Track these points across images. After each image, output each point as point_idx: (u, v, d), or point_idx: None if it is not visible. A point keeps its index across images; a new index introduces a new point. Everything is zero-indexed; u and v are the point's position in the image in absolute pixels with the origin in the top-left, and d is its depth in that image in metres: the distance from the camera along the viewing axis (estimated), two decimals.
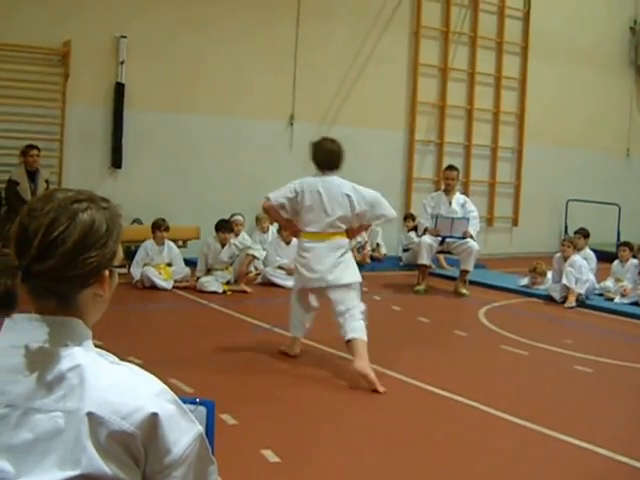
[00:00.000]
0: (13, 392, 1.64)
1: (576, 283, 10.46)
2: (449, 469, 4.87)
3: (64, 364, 1.65)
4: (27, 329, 1.68)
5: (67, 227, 1.67)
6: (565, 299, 10.49)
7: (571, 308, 10.33)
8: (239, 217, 11.54)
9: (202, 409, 2.02)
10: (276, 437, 5.19)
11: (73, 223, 1.68)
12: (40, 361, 1.65)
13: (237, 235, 11.09)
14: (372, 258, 13.39)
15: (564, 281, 10.50)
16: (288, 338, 7.46)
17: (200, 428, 1.74)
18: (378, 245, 13.67)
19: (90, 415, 1.59)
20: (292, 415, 5.79)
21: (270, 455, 4.81)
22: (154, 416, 1.63)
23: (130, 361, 1.71)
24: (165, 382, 1.73)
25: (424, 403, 6.18)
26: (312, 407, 6.00)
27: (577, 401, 6.50)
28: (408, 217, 13.90)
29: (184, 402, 1.75)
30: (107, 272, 1.74)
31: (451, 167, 11.79)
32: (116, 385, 1.65)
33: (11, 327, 1.70)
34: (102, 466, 1.58)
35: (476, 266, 11.50)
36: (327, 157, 6.93)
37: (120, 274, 1.85)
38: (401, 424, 5.66)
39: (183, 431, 1.68)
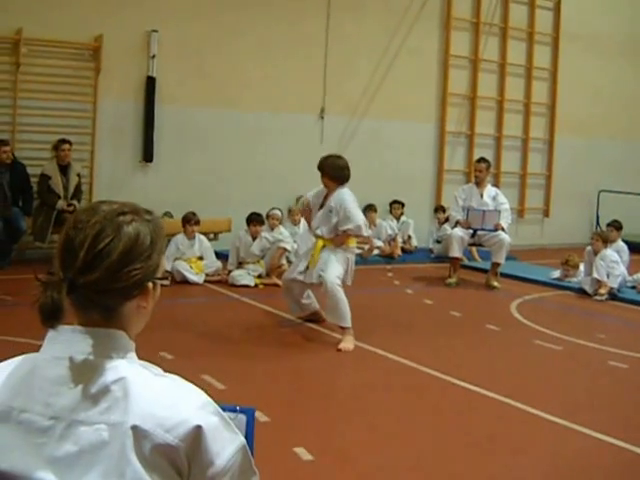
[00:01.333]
0: (57, 404, 1.65)
1: (608, 277, 10.37)
2: (485, 467, 4.84)
3: (108, 376, 1.65)
4: (71, 341, 1.69)
5: (112, 239, 1.68)
6: (597, 292, 10.40)
7: (602, 301, 10.26)
8: (277, 211, 11.22)
9: (242, 417, 2.01)
10: (308, 434, 5.19)
11: (118, 236, 1.69)
12: (84, 373, 1.66)
13: (273, 229, 10.94)
14: (403, 250, 13.34)
15: (595, 275, 10.41)
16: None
17: (243, 439, 1.74)
18: (409, 237, 13.61)
19: (135, 428, 1.60)
20: (324, 412, 5.79)
21: (303, 453, 4.81)
22: (198, 429, 1.63)
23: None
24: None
25: (458, 399, 6.16)
26: (344, 404, 6.00)
27: (614, 398, 6.44)
28: (439, 209, 13.85)
29: (224, 410, 1.74)
30: (151, 284, 1.74)
31: (480, 160, 11.72)
32: (160, 398, 1.65)
33: (55, 338, 1.70)
34: (146, 479, 1.59)
35: (507, 258, 11.40)
36: (349, 174, 7.99)
37: (162, 285, 1.84)
38: (435, 420, 5.65)
39: (226, 443, 1.68)
